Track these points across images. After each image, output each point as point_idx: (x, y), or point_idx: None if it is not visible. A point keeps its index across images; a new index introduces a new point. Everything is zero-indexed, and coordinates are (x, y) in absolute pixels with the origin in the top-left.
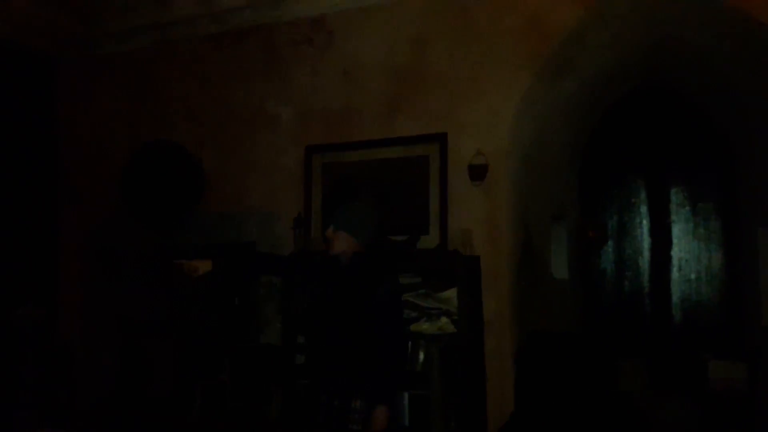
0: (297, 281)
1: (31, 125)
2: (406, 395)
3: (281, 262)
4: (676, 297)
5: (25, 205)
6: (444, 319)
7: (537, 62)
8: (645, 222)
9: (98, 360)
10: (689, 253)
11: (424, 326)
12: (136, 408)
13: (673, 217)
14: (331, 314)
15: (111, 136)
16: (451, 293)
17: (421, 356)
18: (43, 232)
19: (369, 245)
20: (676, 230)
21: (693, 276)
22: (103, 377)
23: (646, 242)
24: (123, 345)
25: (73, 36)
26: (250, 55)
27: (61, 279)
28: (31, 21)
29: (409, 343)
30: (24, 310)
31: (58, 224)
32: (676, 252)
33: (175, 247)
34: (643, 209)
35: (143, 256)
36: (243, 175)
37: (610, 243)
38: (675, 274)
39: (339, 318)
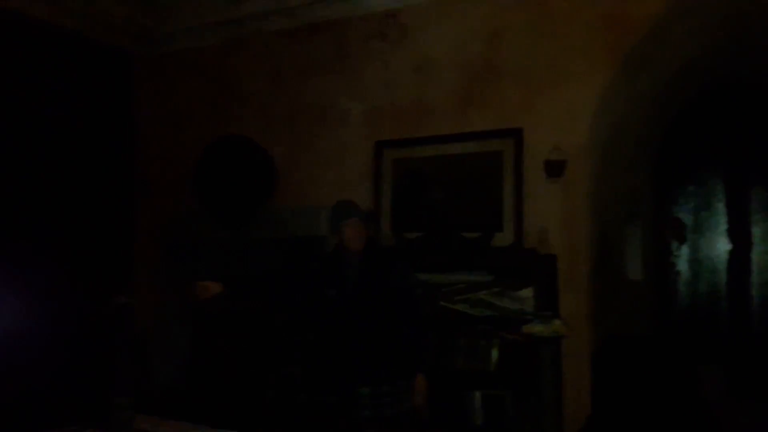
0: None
1: (109, 119)
2: (478, 394)
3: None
4: (756, 301)
5: (103, 197)
6: (557, 322)
7: (616, 56)
8: (723, 222)
9: (169, 348)
10: None
11: (538, 328)
12: (208, 396)
13: (754, 218)
14: (357, 304)
15: (184, 130)
16: (528, 292)
17: (494, 355)
18: (120, 224)
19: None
20: (757, 231)
21: None
22: (174, 366)
23: (724, 243)
24: (194, 334)
25: (147, 32)
26: (321, 49)
27: (135, 269)
28: (108, 17)
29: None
30: (121, 299)
31: (134, 217)
32: (756, 254)
33: (247, 240)
34: (721, 208)
35: (216, 248)
36: (314, 169)
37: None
38: (755, 277)
39: (366, 306)
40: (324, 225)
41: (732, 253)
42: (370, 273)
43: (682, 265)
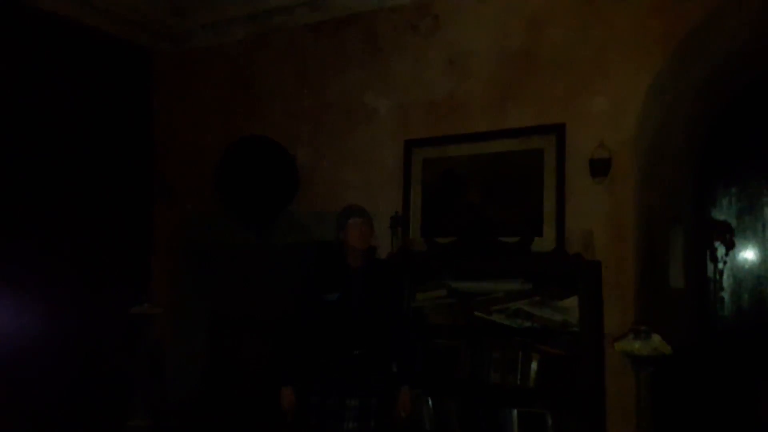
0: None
1: (128, 117)
2: (515, 412)
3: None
4: None
5: (120, 198)
6: (656, 338)
7: (668, 46)
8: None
9: (186, 356)
10: None
11: (636, 345)
12: (224, 405)
13: None
14: (357, 311)
15: (205, 130)
16: (572, 302)
17: (533, 368)
18: (138, 227)
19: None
20: None
21: None
22: (191, 374)
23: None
24: (212, 342)
25: (168, 28)
26: (349, 44)
27: (153, 274)
28: (127, 13)
29: None
30: (141, 309)
31: (153, 219)
32: None
33: (269, 245)
34: (766, 212)
35: (236, 253)
36: (339, 171)
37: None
38: None
39: (364, 315)
40: None
41: None
42: (371, 282)
43: (725, 271)
